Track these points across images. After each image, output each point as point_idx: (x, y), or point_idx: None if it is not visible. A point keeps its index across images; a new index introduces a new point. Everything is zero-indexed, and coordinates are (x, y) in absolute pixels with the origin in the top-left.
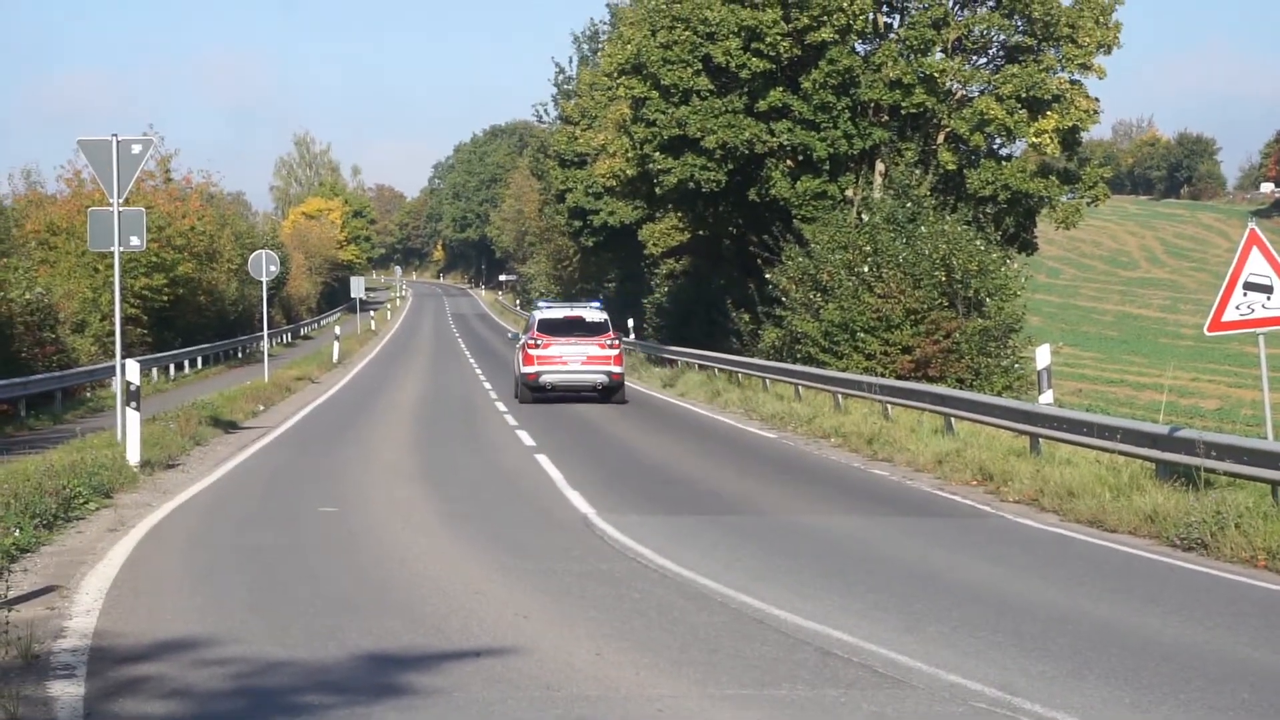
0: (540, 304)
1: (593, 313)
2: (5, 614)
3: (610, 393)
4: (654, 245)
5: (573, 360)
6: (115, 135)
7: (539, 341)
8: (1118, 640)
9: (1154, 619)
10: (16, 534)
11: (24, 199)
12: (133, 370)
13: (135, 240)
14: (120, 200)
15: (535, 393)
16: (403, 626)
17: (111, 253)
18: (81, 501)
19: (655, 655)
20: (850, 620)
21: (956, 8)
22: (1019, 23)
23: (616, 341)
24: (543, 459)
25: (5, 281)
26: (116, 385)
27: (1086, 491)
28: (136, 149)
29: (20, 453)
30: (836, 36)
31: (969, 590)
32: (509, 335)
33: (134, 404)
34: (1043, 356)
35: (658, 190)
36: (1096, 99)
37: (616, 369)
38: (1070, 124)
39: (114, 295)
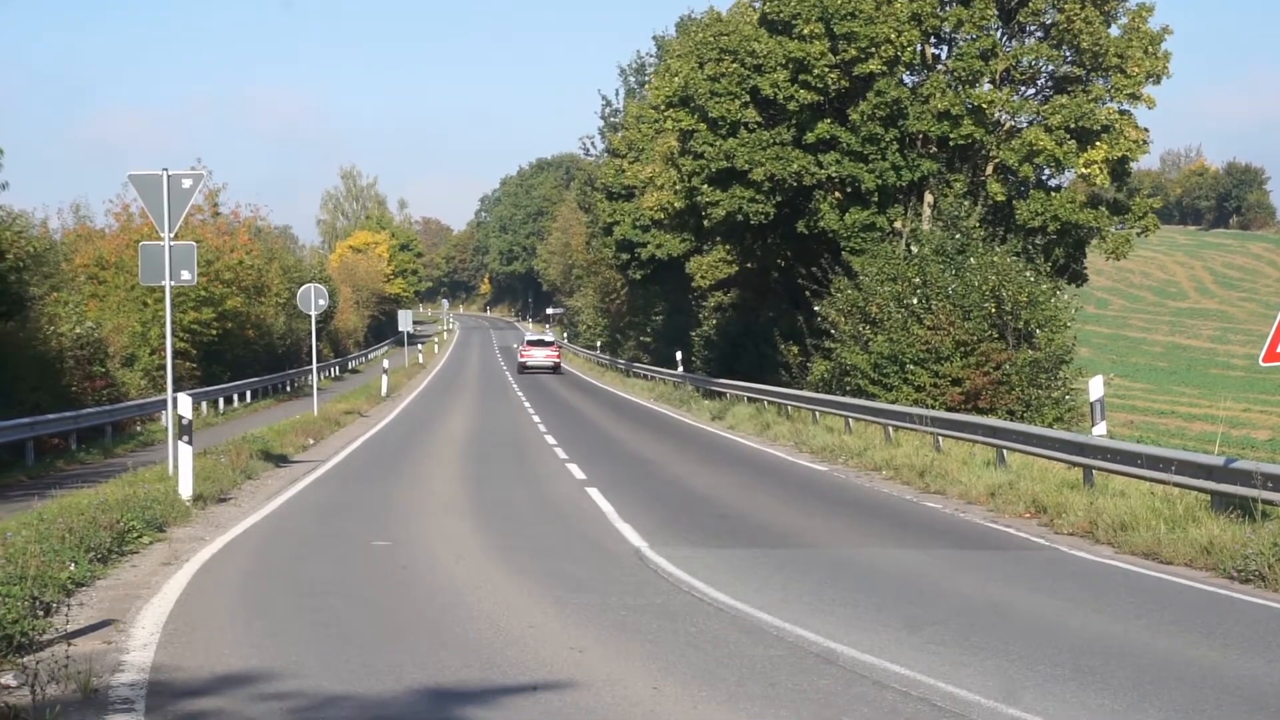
0: (526, 335)
1: (548, 337)
2: (64, 648)
3: (555, 370)
4: (702, 278)
5: (538, 356)
6: (166, 169)
7: (525, 349)
8: (1177, 673)
9: (1213, 652)
10: (72, 568)
11: (73, 233)
12: (184, 404)
13: (186, 274)
14: (171, 234)
15: (522, 371)
16: (458, 661)
17: (161, 287)
18: (135, 535)
19: (712, 689)
20: (907, 654)
21: (1005, 39)
22: (1067, 53)
23: (558, 348)
24: (594, 492)
25: (55, 316)
26: (167, 419)
27: (1141, 524)
28: (187, 183)
29: (72, 486)
30: (884, 68)
31: (1025, 623)
32: (515, 346)
33: (186, 438)
34: (1095, 388)
35: (706, 223)
36: (1145, 129)
37: (558, 360)
38: (1119, 154)
39: (164, 329)
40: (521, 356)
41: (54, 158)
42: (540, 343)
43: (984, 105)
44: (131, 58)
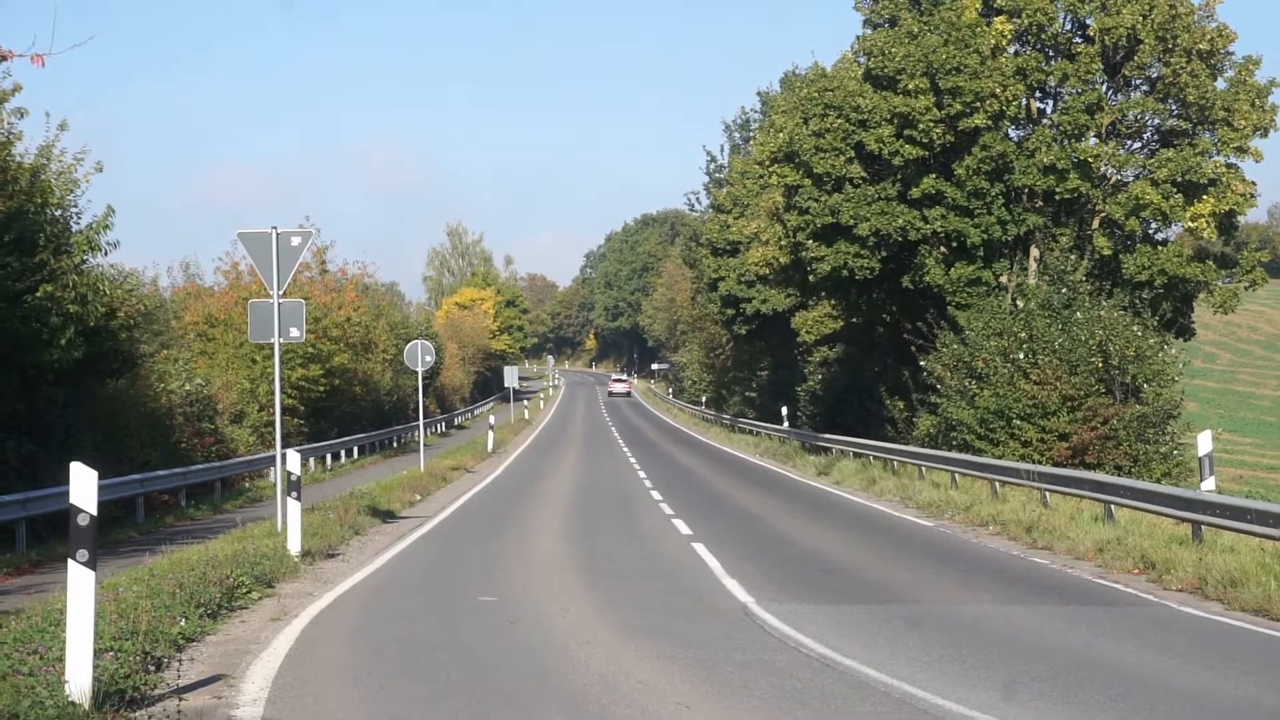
0: (611, 376)
1: (624, 377)
2: (175, 703)
3: (628, 395)
4: (807, 333)
5: (619, 387)
6: (275, 227)
7: (611, 383)
8: None
9: None
10: (182, 623)
11: (183, 291)
12: (293, 460)
13: (295, 332)
14: (280, 292)
15: (610, 396)
16: (566, 718)
17: (270, 344)
18: (244, 591)
19: None
20: (1015, 710)
21: (1110, 93)
22: (1173, 106)
23: (630, 383)
24: (700, 548)
25: (165, 373)
26: (275, 475)
27: (1251, 580)
28: (295, 241)
29: (182, 542)
30: (989, 123)
31: (1135, 680)
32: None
33: (294, 494)
34: (1204, 443)
35: (811, 278)
36: (1253, 182)
37: (630, 389)
38: (1227, 208)
39: (273, 386)
40: (609, 387)
41: (163, 215)
42: (620, 380)
43: (1090, 159)
44: (240, 115)
